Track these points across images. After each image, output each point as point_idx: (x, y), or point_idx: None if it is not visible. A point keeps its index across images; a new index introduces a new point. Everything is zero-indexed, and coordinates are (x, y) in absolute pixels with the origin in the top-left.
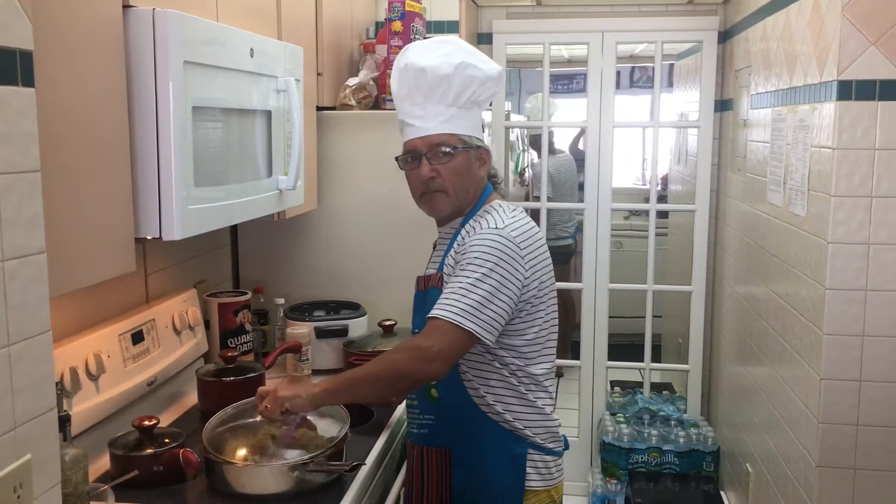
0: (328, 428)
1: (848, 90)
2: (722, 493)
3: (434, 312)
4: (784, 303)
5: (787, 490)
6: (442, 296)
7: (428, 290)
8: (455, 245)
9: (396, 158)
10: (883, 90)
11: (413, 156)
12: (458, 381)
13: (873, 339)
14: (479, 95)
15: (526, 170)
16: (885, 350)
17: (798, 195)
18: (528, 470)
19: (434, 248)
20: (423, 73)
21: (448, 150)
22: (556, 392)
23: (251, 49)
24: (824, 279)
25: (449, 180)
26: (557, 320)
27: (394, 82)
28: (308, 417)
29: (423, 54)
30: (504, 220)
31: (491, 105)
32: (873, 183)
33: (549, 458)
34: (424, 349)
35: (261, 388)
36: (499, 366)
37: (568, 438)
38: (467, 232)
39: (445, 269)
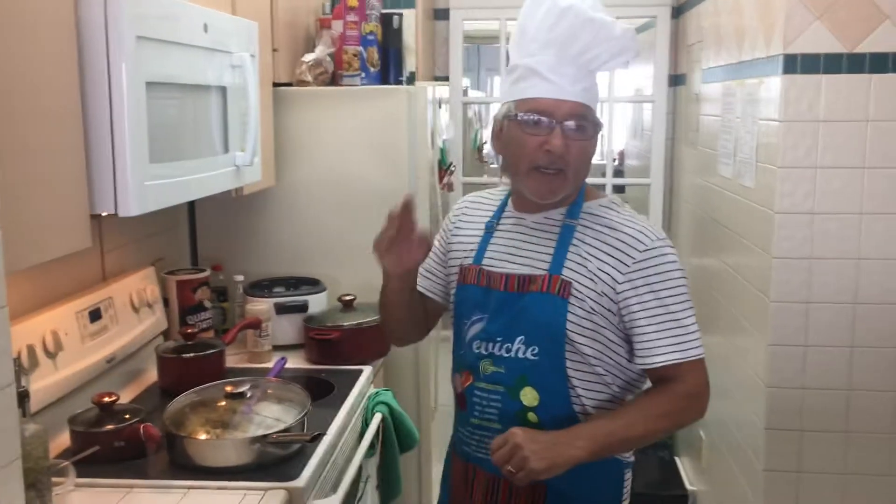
0: (287, 411)
1: (793, 64)
2: (677, 459)
3: (686, 355)
4: (734, 273)
5: (737, 454)
6: (670, 330)
7: (529, 293)
8: (587, 249)
9: (511, 115)
10: (827, 63)
11: (544, 120)
12: (567, 404)
13: (817, 305)
14: (617, 63)
15: (485, 145)
16: (828, 316)
17: (747, 167)
18: (623, 491)
19: (487, 231)
20: (564, 15)
21: (588, 126)
22: None
23: (205, 24)
24: (771, 248)
25: (575, 163)
26: None
27: (525, 15)
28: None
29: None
30: (652, 225)
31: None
32: (818, 154)
33: (630, 471)
34: (703, 396)
35: (507, 447)
36: (610, 382)
37: None
38: (609, 235)
39: (574, 277)
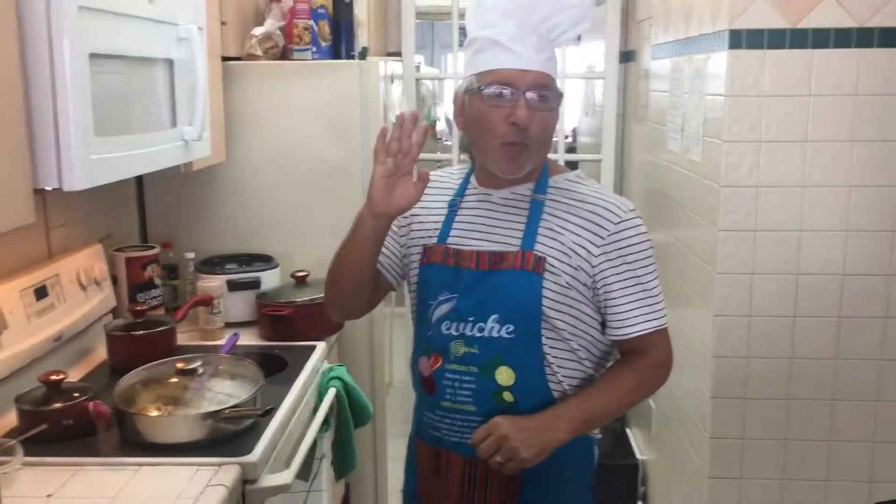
0: (240, 386)
1: (738, 39)
2: (627, 430)
3: (656, 324)
4: (682, 245)
5: (685, 423)
6: (641, 300)
7: (501, 270)
8: (559, 223)
9: (474, 89)
10: (771, 39)
11: (507, 91)
12: (543, 381)
13: (761, 276)
14: (575, 32)
15: (437, 121)
16: (772, 286)
17: (694, 141)
18: (593, 466)
19: (450, 209)
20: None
21: (552, 96)
22: None
23: None
24: (717, 221)
25: (539, 134)
26: None
27: None
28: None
29: None
30: (620, 197)
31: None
32: (762, 128)
33: (597, 445)
34: (669, 363)
35: (495, 435)
36: (582, 357)
37: None
38: (581, 208)
39: (548, 253)
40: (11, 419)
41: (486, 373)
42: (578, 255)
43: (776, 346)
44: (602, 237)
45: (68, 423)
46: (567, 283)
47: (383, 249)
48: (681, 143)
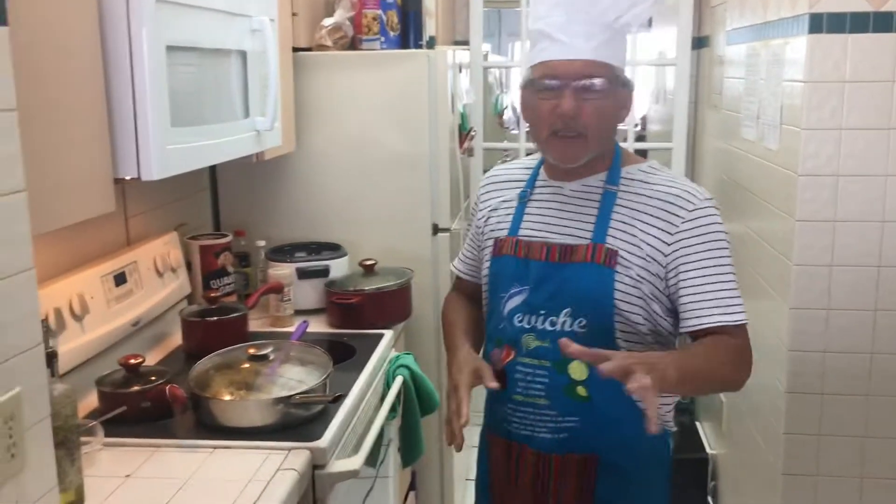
0: (310, 373)
1: (819, 23)
2: (697, 424)
3: (733, 318)
4: (757, 236)
5: (757, 417)
6: (718, 292)
7: (572, 263)
8: (634, 214)
9: (527, 83)
10: (853, 23)
11: (553, 83)
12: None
13: (840, 268)
14: (636, 15)
15: (505, 110)
16: (851, 278)
17: (771, 129)
18: (669, 458)
19: (520, 201)
20: None
21: (601, 84)
22: None
23: None
24: (794, 211)
25: (593, 123)
26: None
27: None
28: (289, 364)
29: None
30: (697, 187)
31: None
32: (843, 115)
33: (671, 439)
34: (750, 359)
35: (632, 360)
36: (659, 350)
37: None
38: (658, 200)
39: (621, 245)
40: (92, 401)
41: (558, 367)
42: (651, 245)
43: (856, 340)
44: (676, 225)
45: (146, 406)
46: (639, 276)
47: (468, 261)
48: (756, 130)
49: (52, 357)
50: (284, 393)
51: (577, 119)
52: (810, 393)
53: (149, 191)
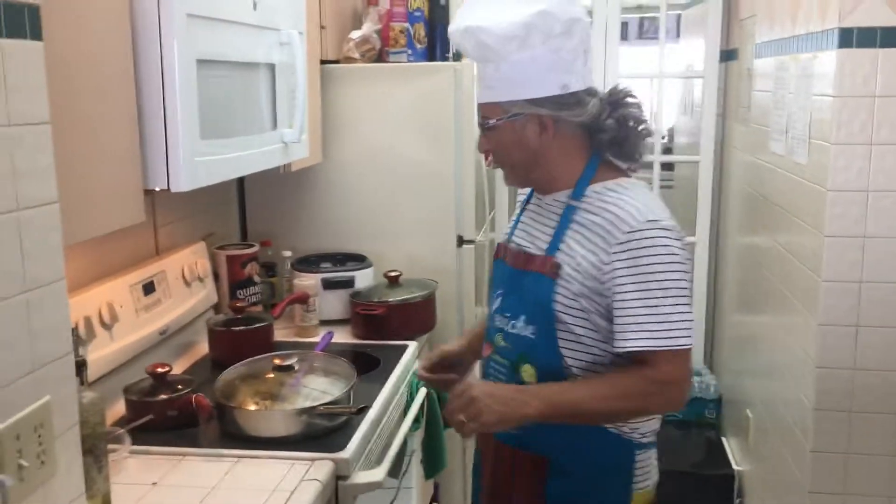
0: (334, 384)
1: (849, 38)
2: (723, 440)
3: (664, 344)
4: (785, 251)
5: (784, 434)
6: (647, 316)
7: (529, 272)
8: (581, 231)
9: None
10: (884, 37)
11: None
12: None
13: (870, 284)
14: (513, 51)
15: None
16: (881, 295)
17: (799, 143)
18: (637, 472)
19: (521, 209)
20: (455, 36)
21: (492, 123)
22: None
23: (254, 2)
24: (823, 226)
25: (502, 157)
26: None
27: None
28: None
29: (457, 15)
30: (651, 207)
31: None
32: (873, 130)
33: (649, 453)
34: (678, 385)
35: (460, 401)
36: (609, 363)
37: None
38: (600, 217)
39: (564, 259)
40: (120, 408)
41: (513, 368)
42: (590, 262)
43: (885, 357)
44: (612, 245)
45: (173, 414)
46: (579, 291)
47: None
48: (785, 144)
49: (81, 366)
50: (309, 403)
51: (491, 154)
52: (838, 410)
53: (177, 201)
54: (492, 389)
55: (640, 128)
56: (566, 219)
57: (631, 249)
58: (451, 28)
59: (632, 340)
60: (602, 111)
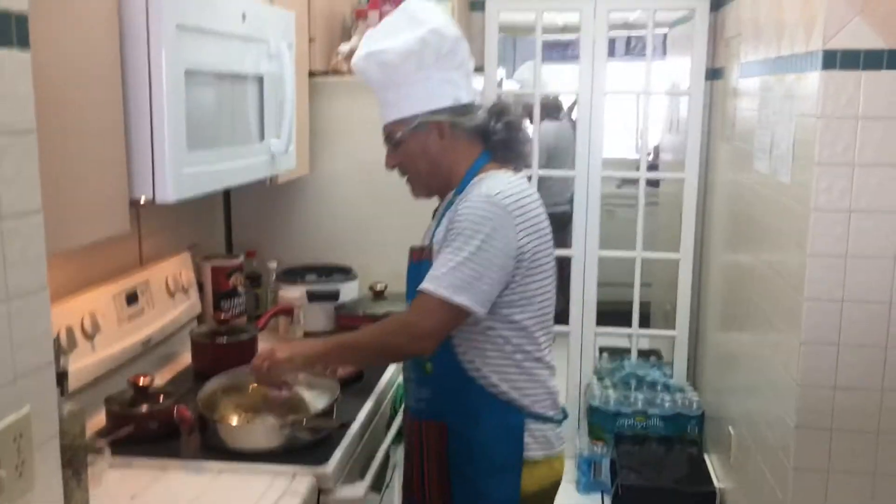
0: (318, 398)
1: (833, 60)
2: (705, 456)
3: (423, 286)
4: (768, 269)
5: (766, 452)
6: (432, 268)
7: (421, 262)
8: (448, 216)
9: None
10: (867, 60)
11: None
12: (451, 355)
13: (852, 303)
14: (412, 71)
15: None
16: (863, 315)
17: (783, 163)
18: (527, 440)
19: (433, 217)
20: (356, 71)
21: (395, 139)
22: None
23: (243, 13)
24: (806, 245)
25: (408, 167)
26: (554, 289)
27: None
28: (297, 388)
29: (358, 49)
30: (496, 186)
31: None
32: (856, 151)
33: (546, 426)
34: (413, 325)
35: (262, 351)
36: (493, 336)
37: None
38: (460, 201)
39: (437, 241)
40: (101, 419)
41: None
42: (444, 237)
43: (867, 376)
44: (450, 219)
45: (154, 426)
46: None
47: None
48: (769, 163)
49: (62, 376)
50: (291, 417)
51: (400, 168)
52: (820, 428)
53: (162, 211)
54: (282, 344)
55: (520, 133)
56: (446, 210)
57: (458, 217)
58: (354, 59)
59: (420, 284)
60: (490, 118)
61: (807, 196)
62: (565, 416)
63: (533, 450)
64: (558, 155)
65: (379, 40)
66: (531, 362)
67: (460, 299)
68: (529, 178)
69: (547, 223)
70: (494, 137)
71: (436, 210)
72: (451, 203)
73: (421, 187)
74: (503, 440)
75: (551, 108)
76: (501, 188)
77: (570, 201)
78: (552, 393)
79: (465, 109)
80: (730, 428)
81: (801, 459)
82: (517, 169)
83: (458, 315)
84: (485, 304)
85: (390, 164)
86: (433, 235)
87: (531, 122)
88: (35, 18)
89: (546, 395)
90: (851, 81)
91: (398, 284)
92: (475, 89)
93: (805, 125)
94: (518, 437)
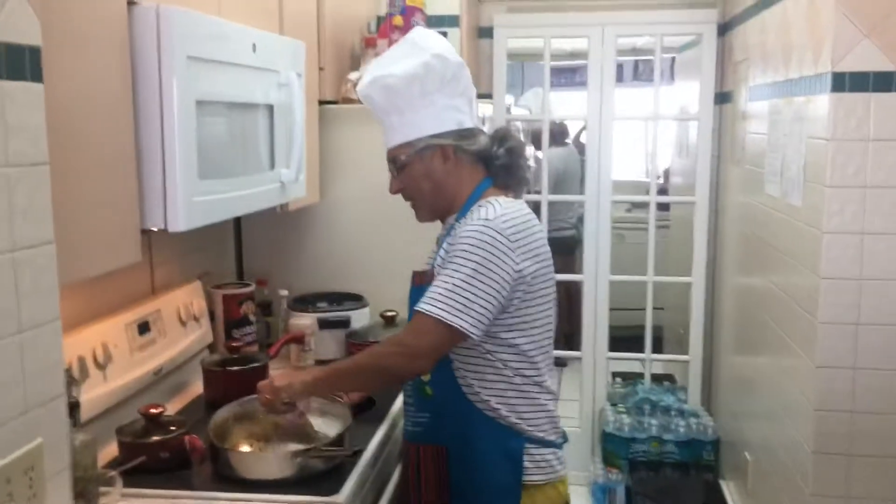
0: (329, 424)
1: (842, 82)
2: (721, 482)
3: (419, 306)
4: (781, 293)
5: (784, 477)
6: (429, 289)
7: (422, 285)
8: (448, 239)
9: None
10: (876, 82)
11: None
12: (451, 378)
13: (867, 326)
14: (416, 96)
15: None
16: (879, 338)
17: (794, 186)
18: (527, 464)
19: (436, 243)
20: (361, 97)
21: (399, 163)
22: (559, 383)
23: (253, 44)
24: (819, 268)
25: (412, 191)
26: (554, 314)
27: None
28: (307, 414)
29: (362, 77)
30: (496, 211)
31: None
32: (867, 173)
33: (547, 450)
34: (408, 346)
35: (260, 383)
36: (493, 360)
37: (569, 429)
38: (461, 225)
39: (437, 266)
40: (113, 449)
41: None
42: (443, 260)
43: (884, 400)
44: (450, 243)
45: (165, 456)
46: None
47: None
48: (780, 186)
49: (74, 407)
50: (303, 445)
51: (404, 192)
52: (838, 454)
53: (174, 240)
54: (284, 374)
55: (522, 159)
56: (446, 236)
57: (457, 240)
58: (359, 86)
59: (419, 303)
60: (493, 144)
61: (818, 219)
62: (565, 440)
63: (534, 474)
64: (565, 180)
65: (382, 67)
66: (531, 386)
67: (455, 321)
68: (539, 204)
69: (547, 248)
70: (497, 162)
71: (438, 236)
72: (452, 227)
73: (425, 211)
74: (502, 464)
75: (557, 134)
76: (501, 213)
77: (576, 226)
78: (552, 417)
79: (469, 134)
80: (746, 453)
81: (820, 485)
82: (518, 194)
83: (453, 336)
84: (479, 327)
85: (394, 188)
86: (435, 260)
87: (538, 148)
88: (47, 51)
89: (546, 419)
90: (861, 104)
91: (408, 311)
92: (477, 115)
93: (815, 148)
94: (517, 461)
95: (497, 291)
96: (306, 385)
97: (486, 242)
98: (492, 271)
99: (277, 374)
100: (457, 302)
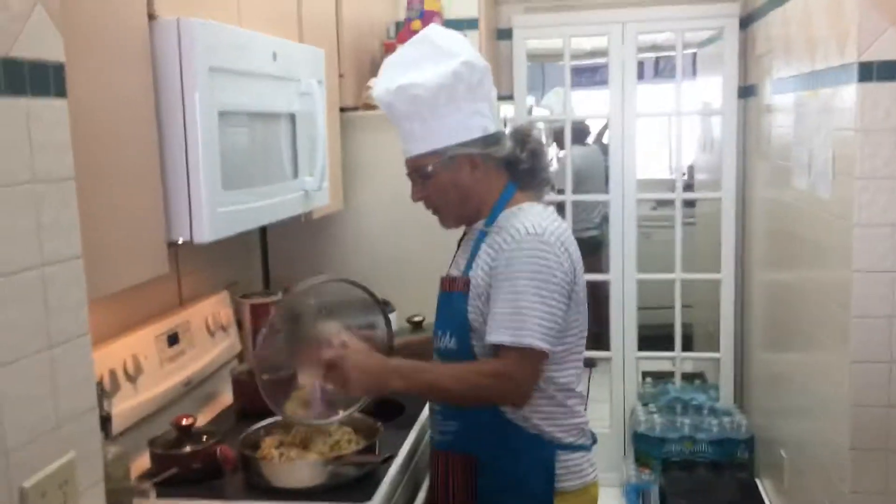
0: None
1: (869, 72)
2: (757, 481)
3: (514, 339)
4: (812, 287)
5: (821, 475)
6: (508, 314)
7: (452, 292)
8: (486, 249)
9: None
10: None
11: (408, 176)
12: None
13: None
14: (441, 104)
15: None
16: None
17: (822, 179)
18: (559, 471)
19: (458, 246)
20: (380, 103)
21: (425, 172)
22: (588, 385)
23: (274, 53)
24: (851, 262)
25: (438, 200)
26: (586, 318)
27: None
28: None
29: (379, 79)
30: (540, 223)
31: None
32: None
33: (578, 454)
34: (513, 380)
35: (330, 357)
36: None
37: (599, 430)
38: (499, 236)
39: (473, 275)
40: (145, 461)
41: None
42: (486, 273)
43: None
44: (498, 256)
45: (197, 467)
46: (484, 301)
47: None
48: (808, 179)
49: (105, 420)
50: (334, 453)
51: (427, 201)
52: (876, 449)
53: (200, 251)
54: (362, 363)
55: (543, 160)
56: (478, 243)
57: (510, 257)
58: (379, 90)
59: (491, 334)
60: (515, 147)
61: (849, 211)
62: (594, 441)
63: (567, 480)
64: (586, 180)
65: (406, 73)
66: (561, 392)
67: (543, 346)
68: (563, 204)
69: (579, 254)
70: (521, 167)
71: (460, 239)
72: (483, 234)
73: (451, 218)
74: (534, 473)
75: (578, 133)
76: (545, 224)
77: (600, 226)
78: (583, 420)
79: (494, 139)
80: (782, 451)
81: (858, 482)
82: (540, 195)
83: (543, 360)
84: (555, 345)
85: (417, 196)
86: (468, 268)
87: (561, 147)
88: (70, 67)
89: (575, 423)
90: (889, 93)
91: (434, 317)
92: (497, 117)
93: (843, 139)
94: (549, 469)
95: (563, 307)
96: (387, 390)
97: (546, 260)
98: (556, 287)
99: (353, 348)
100: (541, 325)
